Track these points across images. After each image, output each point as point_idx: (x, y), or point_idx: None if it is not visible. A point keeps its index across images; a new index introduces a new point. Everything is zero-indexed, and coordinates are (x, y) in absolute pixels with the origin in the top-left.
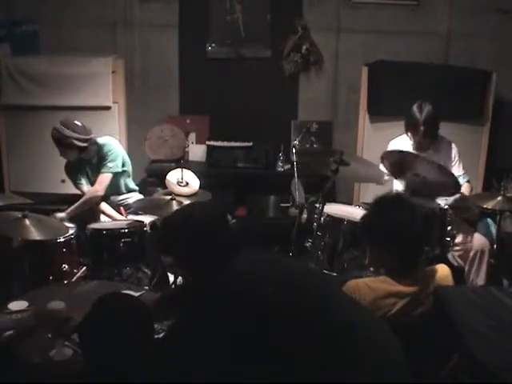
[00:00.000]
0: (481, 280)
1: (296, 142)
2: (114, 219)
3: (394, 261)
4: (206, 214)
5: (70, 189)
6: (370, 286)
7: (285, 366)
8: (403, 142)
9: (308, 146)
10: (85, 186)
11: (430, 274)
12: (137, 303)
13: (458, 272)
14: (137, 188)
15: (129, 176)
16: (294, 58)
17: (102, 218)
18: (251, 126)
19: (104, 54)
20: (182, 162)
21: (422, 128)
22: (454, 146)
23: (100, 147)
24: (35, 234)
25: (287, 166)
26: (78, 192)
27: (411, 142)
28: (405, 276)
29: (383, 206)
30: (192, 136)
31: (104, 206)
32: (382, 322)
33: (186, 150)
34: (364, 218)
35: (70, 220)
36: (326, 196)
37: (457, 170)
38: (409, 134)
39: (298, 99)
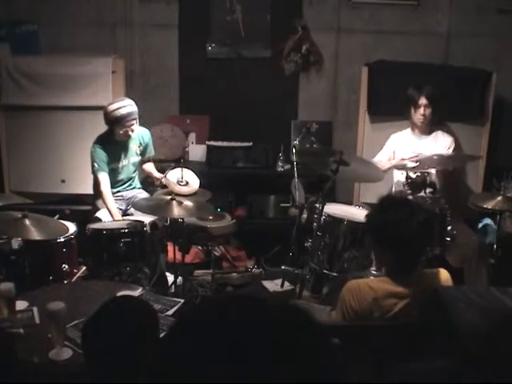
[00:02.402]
0: (481, 280)
1: (296, 142)
2: (112, 217)
3: (394, 261)
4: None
5: (70, 189)
6: (371, 286)
7: None
8: (404, 137)
9: (308, 146)
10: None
11: (430, 275)
12: (144, 307)
13: (456, 272)
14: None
15: None
16: (294, 58)
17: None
18: (251, 126)
19: (104, 54)
20: (181, 161)
21: (423, 100)
22: (450, 137)
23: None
24: (35, 234)
25: (287, 166)
26: (78, 192)
27: (412, 135)
28: (405, 277)
29: (385, 206)
30: (192, 136)
31: (109, 200)
32: None
33: (186, 149)
34: (367, 216)
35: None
36: (326, 196)
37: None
38: (413, 112)
39: (298, 99)
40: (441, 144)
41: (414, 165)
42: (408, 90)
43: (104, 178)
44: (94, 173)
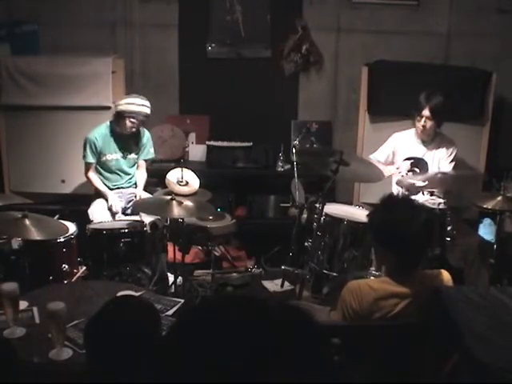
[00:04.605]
0: (481, 280)
1: (296, 142)
2: (102, 194)
3: (395, 260)
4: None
5: (70, 189)
6: (372, 286)
7: None
8: (407, 138)
9: (308, 145)
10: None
11: (431, 276)
12: (147, 307)
13: (457, 272)
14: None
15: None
16: (294, 58)
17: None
18: (251, 126)
19: (104, 54)
20: (181, 161)
21: (426, 112)
22: (452, 144)
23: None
24: (35, 234)
25: (287, 166)
26: (78, 192)
27: (415, 137)
28: (405, 277)
29: (388, 206)
30: (192, 136)
31: (97, 181)
32: None
33: (186, 149)
34: (369, 216)
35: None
36: (326, 196)
37: (446, 166)
38: (416, 119)
39: (298, 99)
40: (442, 151)
41: (422, 184)
42: (420, 93)
43: (90, 166)
44: (83, 159)
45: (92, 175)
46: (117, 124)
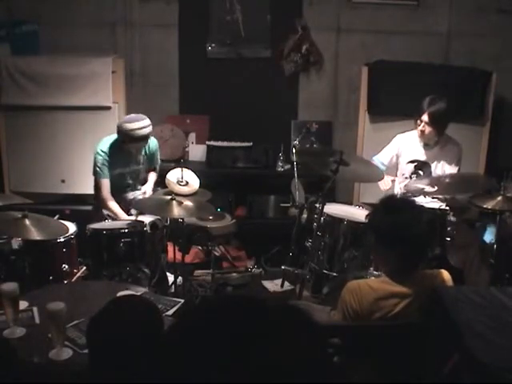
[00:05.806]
0: (481, 280)
1: (296, 142)
2: (119, 218)
3: (397, 261)
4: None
5: (70, 189)
6: (372, 286)
7: None
8: (410, 140)
9: (308, 145)
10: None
11: (431, 276)
12: (149, 307)
13: (457, 272)
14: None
15: None
16: (294, 58)
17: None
18: (251, 126)
19: (104, 54)
20: (181, 161)
21: (425, 117)
22: (457, 146)
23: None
24: (35, 234)
25: (287, 166)
26: (78, 192)
27: (418, 139)
28: (405, 277)
29: (390, 206)
30: (192, 136)
31: (112, 204)
32: None
33: (186, 149)
34: (370, 215)
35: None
36: (326, 196)
37: (451, 169)
38: (416, 122)
39: (298, 99)
40: (447, 154)
41: (432, 190)
42: (420, 93)
43: (105, 184)
44: (95, 176)
45: (107, 195)
46: (122, 141)
